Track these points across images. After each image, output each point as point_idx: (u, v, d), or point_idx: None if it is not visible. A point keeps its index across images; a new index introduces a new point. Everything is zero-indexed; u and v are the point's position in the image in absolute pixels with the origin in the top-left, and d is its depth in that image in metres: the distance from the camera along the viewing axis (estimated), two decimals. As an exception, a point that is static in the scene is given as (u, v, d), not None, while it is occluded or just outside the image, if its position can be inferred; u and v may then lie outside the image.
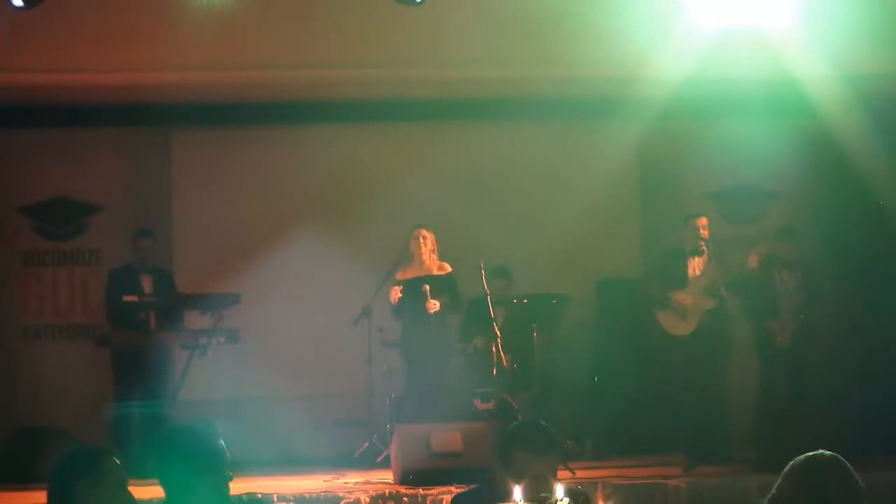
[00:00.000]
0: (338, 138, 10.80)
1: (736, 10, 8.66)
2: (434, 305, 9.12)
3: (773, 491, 3.17)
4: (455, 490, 7.32)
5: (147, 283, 9.55)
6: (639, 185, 10.98)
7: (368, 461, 9.09)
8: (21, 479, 8.43)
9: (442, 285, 9.27)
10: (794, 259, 9.22)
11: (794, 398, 9.15)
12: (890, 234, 10.16)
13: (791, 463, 3.20)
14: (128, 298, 9.13)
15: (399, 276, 9.34)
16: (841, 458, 3.17)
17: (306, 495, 7.78)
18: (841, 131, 9.67)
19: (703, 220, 9.20)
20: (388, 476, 8.41)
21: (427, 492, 7.76)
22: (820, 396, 9.62)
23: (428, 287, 9.13)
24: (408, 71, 9.43)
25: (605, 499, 6.90)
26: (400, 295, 9.20)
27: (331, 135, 10.80)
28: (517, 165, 10.71)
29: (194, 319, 9.31)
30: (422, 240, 9.28)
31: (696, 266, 9.13)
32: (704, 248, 9.08)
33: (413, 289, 9.21)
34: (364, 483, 8.25)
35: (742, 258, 9.26)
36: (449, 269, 9.35)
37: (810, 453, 3.20)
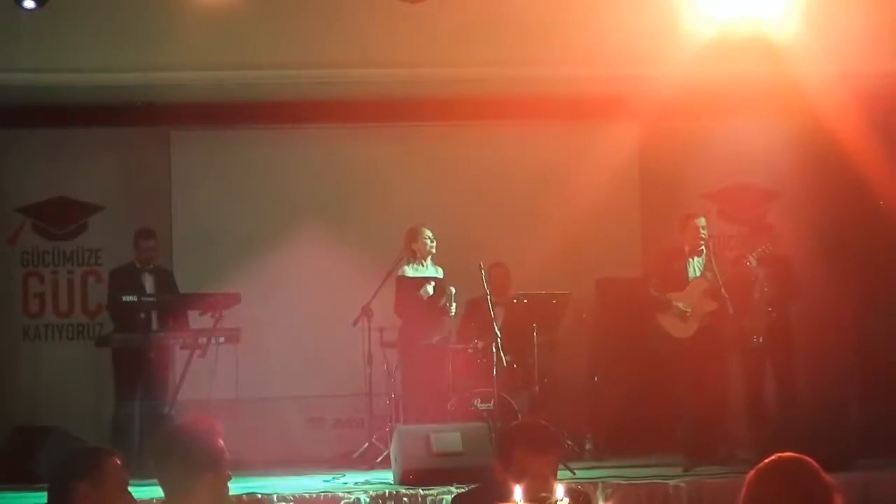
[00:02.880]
0: (338, 138, 10.80)
1: (736, 10, 8.66)
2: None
3: (745, 501, 3.17)
4: (455, 490, 7.31)
5: (149, 283, 9.57)
6: (639, 185, 10.98)
7: (368, 461, 9.09)
8: (21, 479, 8.43)
9: (441, 286, 9.29)
10: (768, 255, 9.21)
11: (781, 394, 9.14)
12: (889, 234, 10.15)
13: (756, 469, 3.19)
14: (127, 298, 9.13)
15: (400, 273, 9.31)
16: (804, 457, 3.18)
17: (306, 495, 7.77)
18: (841, 131, 9.67)
19: (703, 220, 9.19)
20: (388, 476, 8.41)
21: (427, 492, 7.76)
22: (818, 396, 9.62)
23: (433, 285, 9.16)
24: (408, 71, 9.43)
25: (605, 499, 6.91)
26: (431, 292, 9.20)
27: (331, 135, 10.81)
28: (517, 165, 10.71)
29: (194, 319, 9.31)
30: (428, 240, 9.29)
31: (696, 267, 9.12)
32: (704, 248, 9.07)
33: (416, 288, 9.21)
34: (364, 483, 8.24)
35: (739, 258, 9.26)
36: (441, 272, 9.37)
37: (774, 456, 3.20)
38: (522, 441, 4.24)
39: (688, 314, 8.95)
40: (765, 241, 9.20)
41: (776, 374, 9.18)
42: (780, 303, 9.16)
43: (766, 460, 3.18)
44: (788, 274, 9.29)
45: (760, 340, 9.06)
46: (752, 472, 3.18)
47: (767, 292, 9.14)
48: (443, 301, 9.26)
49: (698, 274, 9.07)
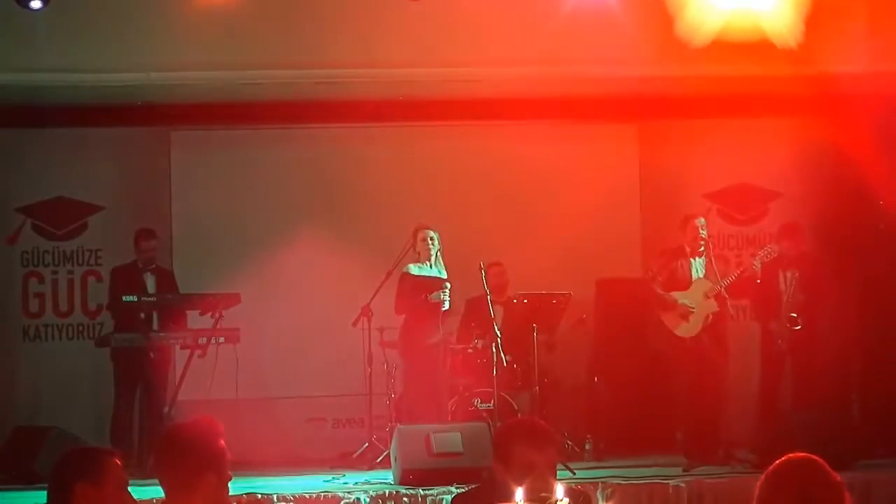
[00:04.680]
0: (338, 138, 10.80)
1: (736, 10, 8.67)
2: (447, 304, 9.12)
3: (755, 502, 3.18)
4: (455, 490, 7.32)
5: (151, 283, 9.58)
6: (639, 185, 10.97)
7: (368, 461, 9.09)
8: (21, 479, 8.43)
9: (439, 287, 9.24)
10: (795, 256, 9.26)
11: (796, 399, 9.16)
12: (889, 234, 10.15)
13: (766, 473, 3.21)
14: (127, 298, 9.13)
15: (405, 270, 9.25)
16: (814, 457, 3.19)
17: (306, 495, 7.77)
18: (841, 131, 9.68)
19: (702, 221, 9.19)
20: (388, 476, 8.41)
21: (427, 492, 7.76)
22: (820, 396, 9.63)
23: (444, 291, 9.09)
24: (408, 71, 9.43)
25: (605, 499, 6.91)
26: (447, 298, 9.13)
27: (331, 135, 10.80)
28: (517, 165, 10.70)
29: (194, 319, 9.31)
30: (429, 241, 9.22)
31: (698, 267, 9.12)
32: (703, 248, 9.07)
33: (419, 288, 9.18)
34: (364, 483, 8.25)
35: (745, 259, 9.30)
36: (444, 272, 9.32)
37: (784, 458, 3.21)
38: (519, 436, 4.24)
39: (692, 311, 8.94)
40: (773, 244, 9.26)
41: (794, 378, 9.20)
42: (808, 308, 9.19)
43: (776, 462, 3.18)
44: (812, 273, 9.32)
45: (783, 344, 9.11)
46: (762, 476, 3.18)
47: (797, 297, 9.19)
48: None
49: (701, 274, 9.07)
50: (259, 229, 10.53)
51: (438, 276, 9.22)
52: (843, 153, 9.68)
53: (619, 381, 10.17)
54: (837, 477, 3.14)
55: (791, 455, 3.19)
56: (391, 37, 9.05)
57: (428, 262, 9.22)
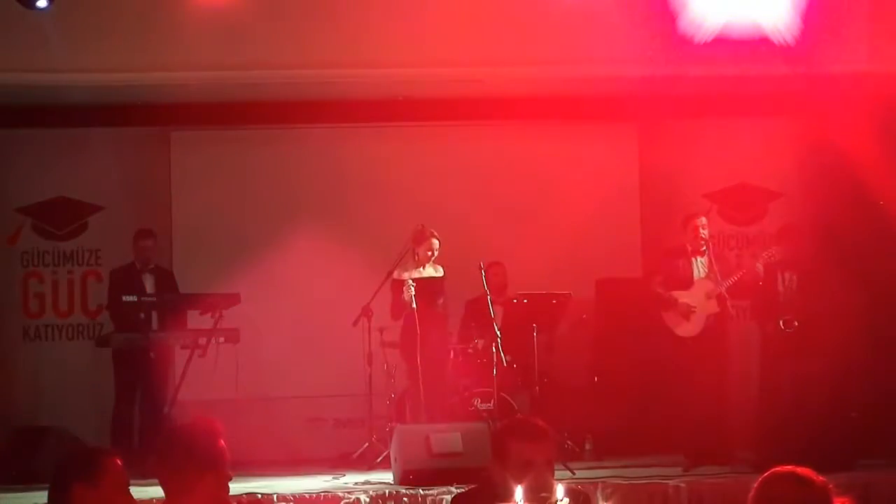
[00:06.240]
0: (338, 138, 10.80)
1: (736, 9, 8.68)
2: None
3: None
4: (455, 490, 7.31)
5: (149, 283, 9.58)
6: (639, 185, 10.98)
7: (368, 461, 9.09)
8: (21, 479, 8.43)
9: (438, 287, 9.24)
10: (793, 258, 9.26)
11: (796, 400, 9.15)
12: (890, 234, 10.15)
13: (753, 490, 3.23)
14: (127, 298, 9.14)
15: (395, 275, 9.27)
16: (797, 470, 3.19)
17: (306, 495, 7.78)
18: (841, 131, 9.67)
19: (704, 220, 9.19)
20: (388, 476, 8.41)
21: (427, 492, 7.77)
22: (820, 396, 9.63)
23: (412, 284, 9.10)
24: (407, 71, 9.43)
25: (605, 499, 6.90)
26: (413, 293, 9.10)
27: (331, 135, 10.81)
28: (517, 165, 10.71)
29: (194, 319, 9.31)
30: (434, 251, 9.18)
31: (699, 267, 9.12)
32: (705, 248, 9.07)
33: (415, 289, 9.18)
34: (364, 483, 8.25)
35: (745, 260, 9.29)
36: (442, 271, 9.30)
37: (768, 473, 3.22)
38: (515, 433, 4.25)
39: (694, 311, 8.94)
40: (774, 245, 9.24)
41: (794, 378, 9.19)
42: (807, 309, 9.18)
43: (760, 478, 3.19)
44: (811, 275, 9.32)
45: (781, 345, 9.11)
46: (750, 495, 3.19)
47: (795, 298, 9.18)
48: (440, 301, 9.22)
49: (703, 274, 9.06)
50: (259, 229, 10.53)
51: (433, 275, 9.21)
52: (843, 153, 9.67)
53: (619, 381, 10.17)
54: (822, 482, 3.14)
55: (775, 471, 3.19)
56: (391, 37, 9.05)
57: (422, 266, 9.21)
